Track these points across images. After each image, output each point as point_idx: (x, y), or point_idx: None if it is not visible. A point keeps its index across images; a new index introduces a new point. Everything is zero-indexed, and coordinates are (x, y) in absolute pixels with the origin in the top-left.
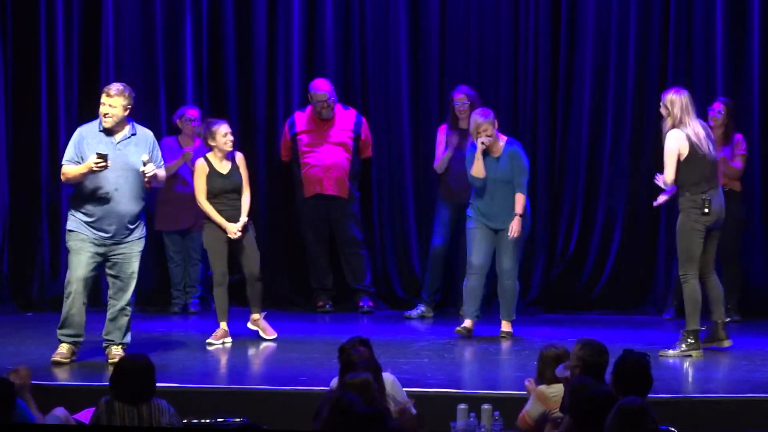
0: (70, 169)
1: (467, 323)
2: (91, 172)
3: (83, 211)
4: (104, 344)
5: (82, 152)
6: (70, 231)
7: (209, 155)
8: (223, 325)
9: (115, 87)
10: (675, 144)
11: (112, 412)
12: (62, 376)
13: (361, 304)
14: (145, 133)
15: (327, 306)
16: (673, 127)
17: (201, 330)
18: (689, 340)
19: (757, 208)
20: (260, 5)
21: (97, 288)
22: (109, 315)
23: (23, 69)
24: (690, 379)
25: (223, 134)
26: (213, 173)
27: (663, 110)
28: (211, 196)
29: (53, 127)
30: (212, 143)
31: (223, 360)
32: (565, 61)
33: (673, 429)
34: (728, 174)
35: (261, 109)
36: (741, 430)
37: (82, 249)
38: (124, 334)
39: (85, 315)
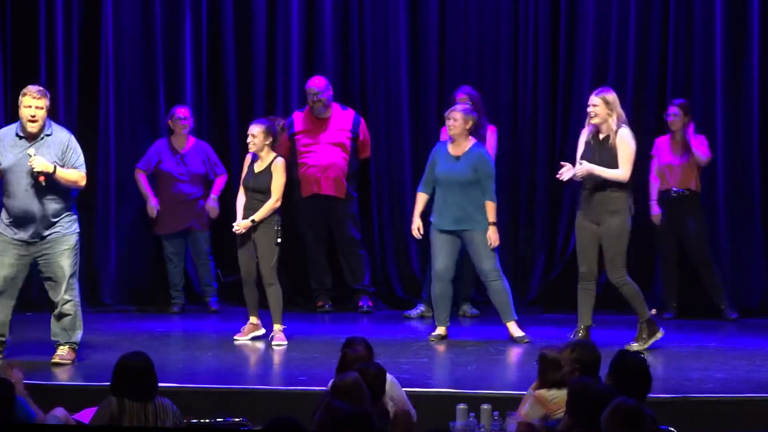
0: None
1: (441, 330)
2: None
3: (5, 212)
4: (55, 345)
5: None
6: None
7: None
8: (253, 319)
9: (37, 89)
10: (633, 142)
11: (123, 411)
12: (62, 376)
13: (360, 304)
14: (61, 135)
15: (327, 306)
16: (619, 124)
17: (201, 330)
18: (647, 329)
19: (756, 208)
20: (260, 5)
21: (96, 288)
22: (52, 315)
23: (23, 69)
24: (689, 379)
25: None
26: (249, 169)
27: (602, 109)
28: (244, 192)
29: None
30: None
31: (223, 360)
32: (565, 61)
33: (672, 429)
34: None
35: (260, 109)
36: (741, 430)
37: (5, 250)
38: (71, 334)
39: (10, 315)
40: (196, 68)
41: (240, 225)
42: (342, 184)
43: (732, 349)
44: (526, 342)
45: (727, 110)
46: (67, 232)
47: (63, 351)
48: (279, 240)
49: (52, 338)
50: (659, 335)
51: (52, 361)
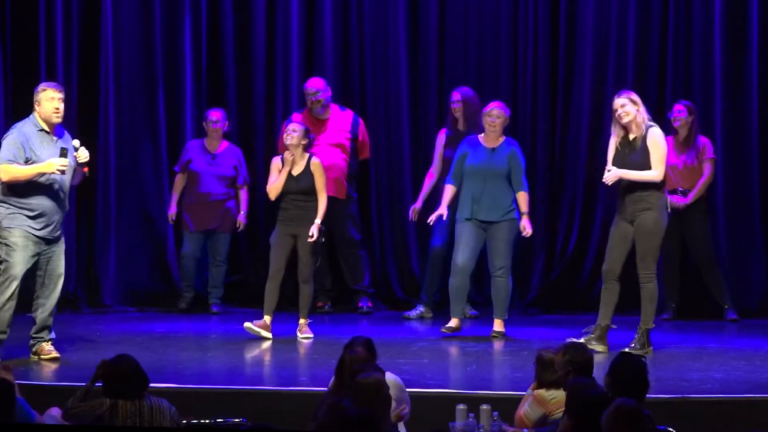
0: (15, 168)
1: (453, 322)
2: (55, 173)
3: (27, 208)
4: (32, 342)
5: (29, 152)
6: (11, 228)
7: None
8: (267, 319)
9: (56, 84)
10: (664, 141)
11: (116, 414)
12: (62, 377)
13: (360, 304)
14: (65, 130)
15: (326, 306)
16: (647, 123)
17: (201, 331)
18: (645, 338)
19: (756, 209)
20: (259, 7)
21: (96, 289)
22: (39, 315)
23: (23, 70)
24: (688, 379)
25: (286, 131)
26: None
27: (630, 107)
28: (280, 195)
29: None
30: None
31: (224, 361)
32: (564, 62)
33: (671, 429)
34: (693, 180)
35: (260, 109)
36: (740, 431)
37: (26, 246)
38: (50, 331)
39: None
40: (196, 69)
41: (315, 233)
42: (342, 184)
43: (731, 350)
44: (496, 338)
45: (727, 111)
46: (63, 232)
47: (50, 346)
48: (323, 239)
49: (35, 335)
50: (650, 352)
51: (49, 357)
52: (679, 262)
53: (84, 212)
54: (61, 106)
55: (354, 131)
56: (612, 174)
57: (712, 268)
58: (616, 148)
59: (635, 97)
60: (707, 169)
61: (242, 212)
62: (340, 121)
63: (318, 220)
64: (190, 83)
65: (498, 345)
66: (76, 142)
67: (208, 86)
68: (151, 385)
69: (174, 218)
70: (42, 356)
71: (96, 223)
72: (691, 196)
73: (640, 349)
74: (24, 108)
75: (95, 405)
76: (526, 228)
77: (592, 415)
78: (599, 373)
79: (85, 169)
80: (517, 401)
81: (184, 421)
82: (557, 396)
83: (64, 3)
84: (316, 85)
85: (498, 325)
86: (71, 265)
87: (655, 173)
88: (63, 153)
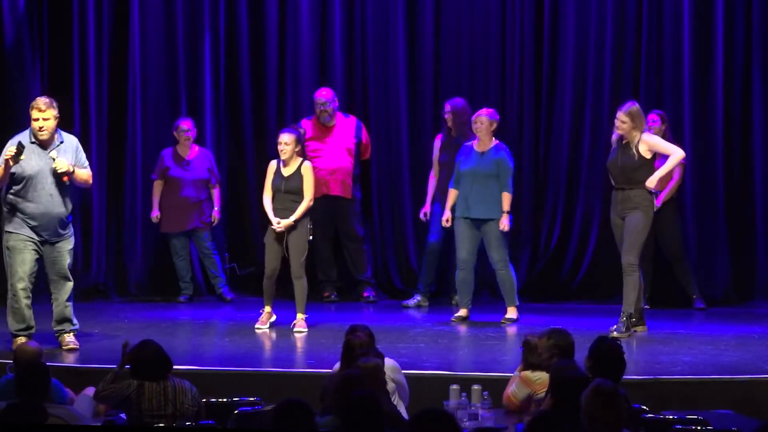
0: None
1: (462, 312)
2: (7, 163)
3: (22, 215)
4: (55, 334)
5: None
6: (10, 233)
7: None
8: (267, 308)
9: (44, 101)
10: (655, 137)
11: (142, 395)
12: (89, 360)
13: (365, 294)
14: (71, 139)
15: (332, 296)
16: (642, 132)
17: (217, 318)
18: (626, 322)
19: (720, 209)
20: (272, 24)
21: (124, 281)
22: (55, 309)
23: (58, 84)
24: (660, 362)
25: (278, 142)
26: (277, 173)
27: (628, 124)
28: (272, 195)
29: (85, 134)
30: None
31: (239, 345)
32: (548, 74)
33: (644, 407)
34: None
35: (272, 119)
36: (706, 409)
37: (24, 248)
38: (73, 322)
39: (32, 307)
40: (215, 82)
41: (283, 224)
42: (348, 185)
43: (699, 336)
44: (505, 324)
45: (694, 119)
46: (72, 233)
47: (71, 337)
48: (311, 237)
49: (56, 328)
50: (628, 335)
51: (67, 348)
52: (652, 256)
53: (114, 211)
54: (46, 123)
55: (358, 135)
56: (654, 183)
57: (682, 261)
58: (614, 147)
59: (635, 110)
60: (677, 172)
61: (216, 209)
62: (345, 127)
63: (293, 217)
64: (209, 95)
65: (488, 331)
66: (54, 154)
67: (225, 98)
68: (175, 367)
69: (158, 220)
70: (63, 347)
71: (124, 221)
72: (662, 197)
73: (625, 332)
74: (59, 122)
75: (123, 386)
76: (504, 224)
77: (573, 395)
78: (580, 356)
79: (65, 178)
80: (505, 382)
81: (203, 400)
82: (542, 377)
83: (96, 23)
84: (325, 96)
85: (510, 312)
86: (102, 258)
87: (674, 155)
88: (19, 148)
